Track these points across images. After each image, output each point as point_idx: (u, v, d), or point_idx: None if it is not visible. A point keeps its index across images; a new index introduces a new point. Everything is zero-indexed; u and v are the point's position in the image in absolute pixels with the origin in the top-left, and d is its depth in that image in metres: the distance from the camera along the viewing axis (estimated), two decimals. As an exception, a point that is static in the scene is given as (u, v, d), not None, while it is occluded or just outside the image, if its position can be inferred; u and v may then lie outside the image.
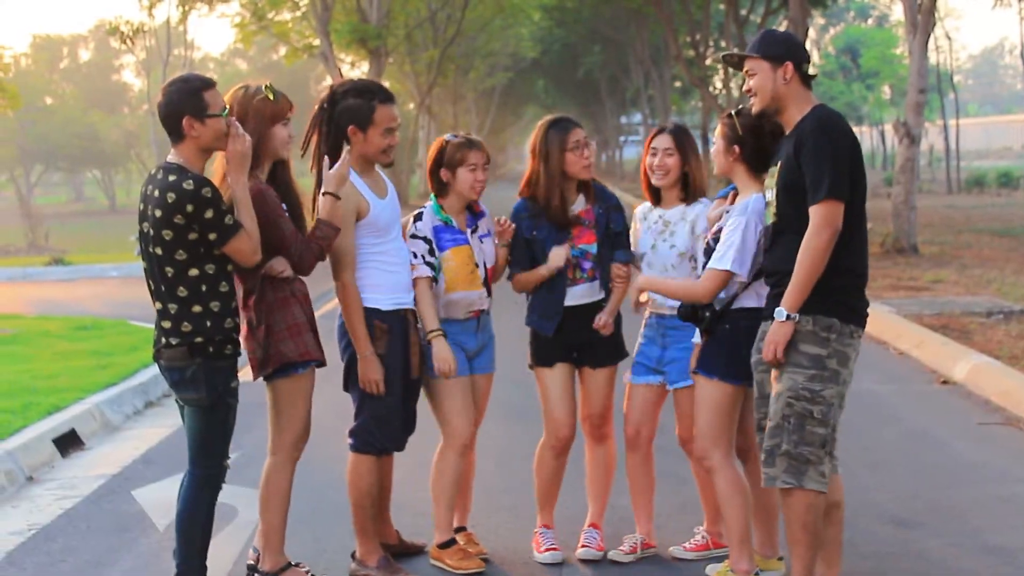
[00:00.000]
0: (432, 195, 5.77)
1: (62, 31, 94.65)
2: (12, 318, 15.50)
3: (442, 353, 5.52)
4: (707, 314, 5.24)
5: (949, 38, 48.15)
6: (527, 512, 6.22)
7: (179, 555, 5.11)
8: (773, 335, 4.79)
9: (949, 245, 20.90)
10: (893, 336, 11.78)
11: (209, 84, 4.91)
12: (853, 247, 4.79)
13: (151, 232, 4.83)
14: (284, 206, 5.19)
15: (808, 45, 40.46)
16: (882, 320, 12.39)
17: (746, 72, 4.96)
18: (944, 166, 44.94)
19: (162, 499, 6.96)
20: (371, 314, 5.38)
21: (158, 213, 4.77)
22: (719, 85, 43.26)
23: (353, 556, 5.64)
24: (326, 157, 5.29)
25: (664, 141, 5.62)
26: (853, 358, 4.85)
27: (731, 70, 45.38)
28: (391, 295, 5.46)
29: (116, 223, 53.43)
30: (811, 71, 4.92)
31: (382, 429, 5.48)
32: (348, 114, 5.39)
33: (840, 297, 4.79)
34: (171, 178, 4.76)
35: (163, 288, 4.88)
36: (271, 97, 5.17)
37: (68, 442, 8.34)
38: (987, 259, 18.51)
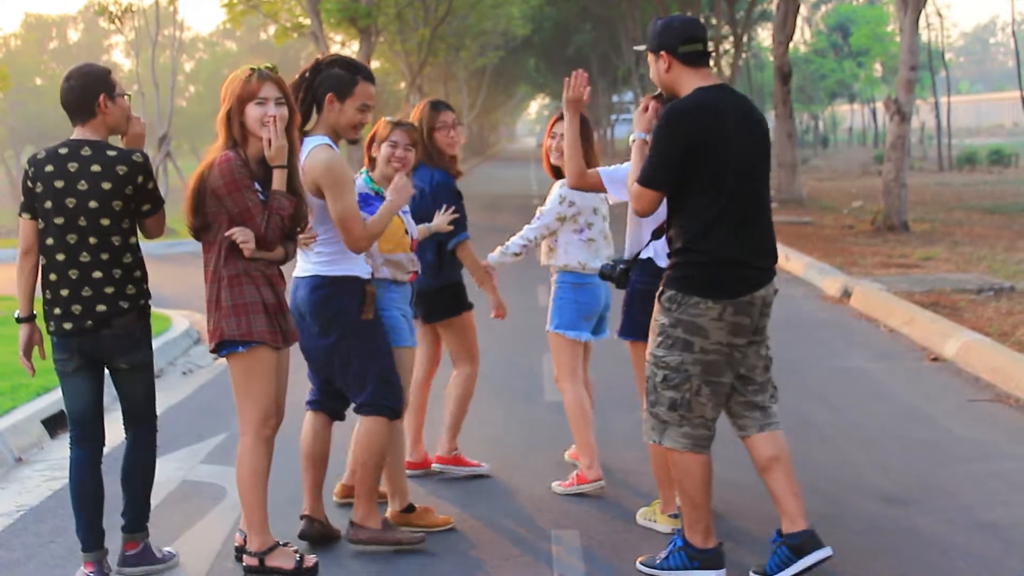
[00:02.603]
0: (364, 168, 6.11)
1: (52, 11, 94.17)
2: (2, 299, 15.44)
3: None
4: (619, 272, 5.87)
5: (940, 15, 48.18)
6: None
7: (130, 512, 5.50)
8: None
9: (940, 222, 20.93)
10: (883, 313, 11.79)
11: (110, 71, 5.29)
12: (714, 234, 4.95)
13: (95, 205, 5.08)
14: (256, 182, 5.19)
15: (799, 23, 40.45)
16: (872, 297, 12.40)
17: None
18: (935, 143, 44.95)
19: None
20: (356, 282, 5.53)
21: (106, 185, 5.07)
22: (710, 63, 43.11)
23: (352, 523, 5.67)
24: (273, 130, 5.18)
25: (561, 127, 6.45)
26: (712, 329, 4.95)
27: (722, 48, 45.37)
28: (364, 264, 5.65)
29: (107, 204, 53.39)
30: (700, 48, 5.10)
31: (392, 389, 5.59)
32: (329, 82, 5.48)
33: (686, 272, 5.00)
34: (111, 153, 5.12)
35: (105, 257, 5.14)
36: (248, 78, 5.19)
37: (57, 423, 8.31)
38: (978, 236, 18.53)
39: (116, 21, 27.71)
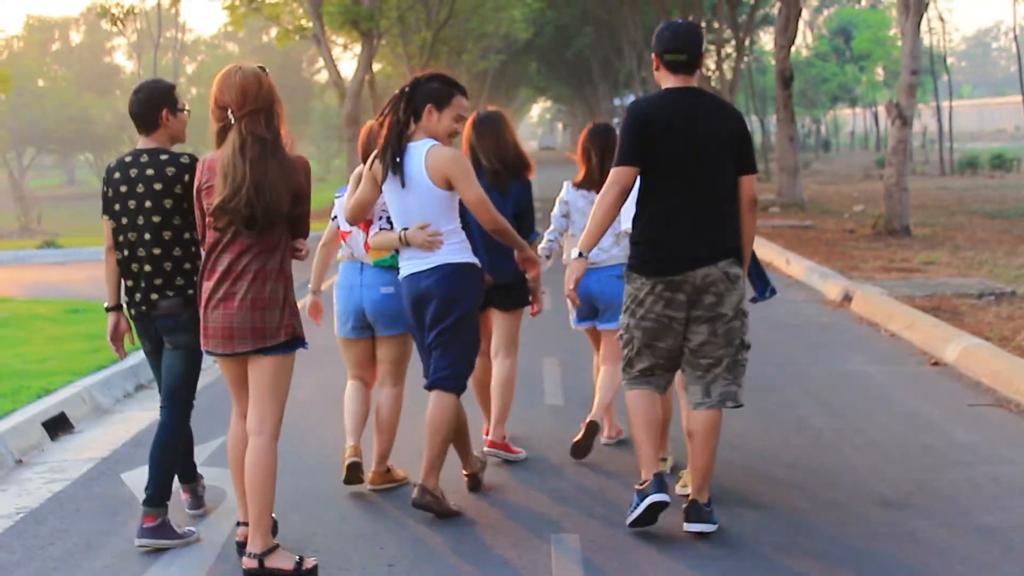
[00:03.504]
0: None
1: (54, 13, 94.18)
2: (3, 301, 15.50)
3: None
4: None
5: (942, 19, 48.23)
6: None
7: (153, 486, 5.79)
8: (571, 270, 5.93)
9: (941, 227, 20.93)
10: (884, 317, 11.79)
11: (174, 86, 5.99)
12: (646, 219, 5.77)
13: (147, 204, 5.71)
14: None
15: (801, 26, 40.47)
16: (873, 301, 12.40)
17: None
18: (937, 148, 44.95)
19: (152, 482, 6.97)
20: (479, 270, 6.16)
21: (157, 186, 5.69)
22: (712, 66, 43.18)
23: (425, 489, 6.01)
24: None
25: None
26: (648, 301, 5.75)
27: (723, 51, 45.38)
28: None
29: (108, 206, 53.34)
30: (683, 58, 5.75)
31: (469, 372, 6.22)
32: (429, 94, 6.02)
33: (632, 251, 5.86)
34: (163, 157, 5.76)
35: (157, 251, 5.74)
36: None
37: (58, 425, 8.32)
38: (979, 241, 18.53)
39: (118, 23, 27.75)
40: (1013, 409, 8.22)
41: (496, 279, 6.86)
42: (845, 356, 10.33)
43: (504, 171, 7.00)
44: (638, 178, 5.73)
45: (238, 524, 5.72)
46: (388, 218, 6.29)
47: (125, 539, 5.97)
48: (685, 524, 5.73)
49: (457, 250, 6.02)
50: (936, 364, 9.79)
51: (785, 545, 5.62)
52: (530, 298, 7.23)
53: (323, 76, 71.43)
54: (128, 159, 5.82)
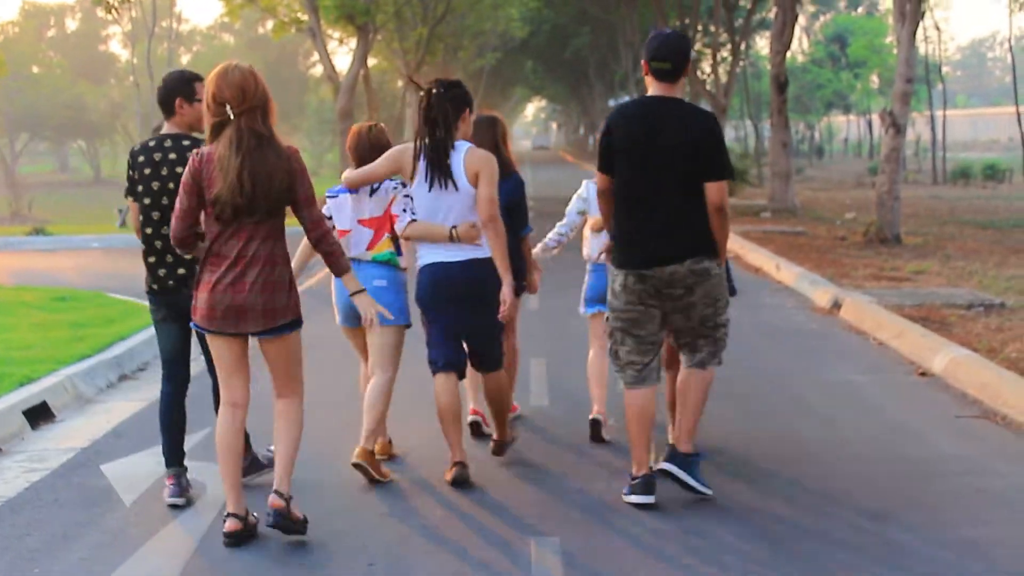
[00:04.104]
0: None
1: (50, 0, 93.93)
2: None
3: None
4: None
5: (938, 29, 48.15)
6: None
7: (175, 458, 6.45)
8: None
9: (933, 236, 20.91)
10: (873, 326, 11.75)
11: (199, 78, 6.36)
12: (619, 216, 6.27)
13: (171, 186, 6.15)
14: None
15: (797, 32, 40.48)
16: (862, 310, 12.37)
17: None
18: (930, 156, 44.96)
19: (131, 474, 6.92)
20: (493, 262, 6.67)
21: (180, 170, 6.04)
22: (707, 69, 43.14)
23: (496, 441, 7.14)
24: None
25: None
26: (622, 292, 6.26)
27: (719, 55, 45.41)
28: None
29: (100, 194, 53.25)
30: (667, 67, 6.12)
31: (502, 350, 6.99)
32: (464, 99, 6.67)
33: (613, 245, 6.38)
34: (186, 142, 6.27)
35: None
36: None
37: (39, 414, 8.27)
38: (970, 251, 18.51)
39: (113, 11, 27.67)
40: (1000, 421, 8.18)
41: None
42: (833, 364, 10.29)
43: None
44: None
45: (226, 516, 5.72)
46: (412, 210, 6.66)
47: (103, 530, 5.93)
48: (661, 462, 6.32)
49: (484, 244, 6.60)
50: (924, 374, 9.75)
51: (767, 555, 5.58)
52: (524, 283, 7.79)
53: (318, 70, 71.28)
54: (152, 143, 6.30)
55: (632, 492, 6.26)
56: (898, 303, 12.68)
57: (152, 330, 11.25)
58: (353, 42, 34.87)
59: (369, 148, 6.88)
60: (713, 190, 6.06)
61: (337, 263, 5.82)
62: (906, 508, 6.28)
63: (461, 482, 6.58)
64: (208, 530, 5.88)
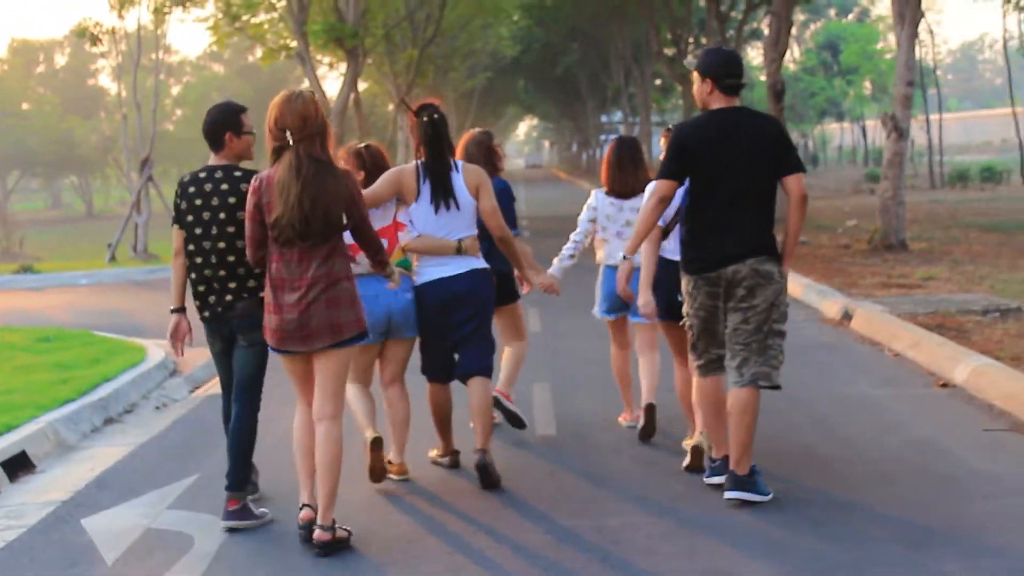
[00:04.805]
0: None
1: (39, 36, 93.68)
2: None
3: None
4: None
5: (931, 32, 47.87)
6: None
7: (234, 473, 6.34)
8: (620, 271, 7.11)
9: (938, 241, 20.54)
10: (887, 336, 11.33)
11: (244, 109, 6.58)
12: (691, 225, 6.55)
13: (223, 216, 6.29)
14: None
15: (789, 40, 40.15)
16: (875, 319, 11.96)
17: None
18: (926, 161, 44.70)
19: (114, 528, 6.47)
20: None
21: (232, 200, 6.28)
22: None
23: (486, 451, 7.00)
24: None
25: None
26: (698, 296, 6.57)
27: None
28: None
29: (93, 229, 52.92)
30: (731, 82, 6.47)
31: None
32: (446, 121, 7.02)
33: (682, 253, 6.66)
34: (237, 173, 6.37)
35: (232, 259, 6.30)
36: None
37: (17, 465, 7.81)
38: (977, 255, 18.13)
39: (97, 42, 27.36)
40: (1031, 434, 7.76)
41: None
42: (849, 378, 9.86)
43: None
44: (683, 191, 6.63)
45: (302, 507, 6.07)
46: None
47: (81, 594, 5.49)
48: (725, 492, 6.44)
49: (482, 256, 7.06)
50: (945, 386, 9.32)
51: (800, 593, 5.15)
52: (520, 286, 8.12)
53: (309, 96, 70.52)
54: (202, 175, 6.43)
55: (713, 474, 6.75)
56: (911, 311, 12.28)
57: (141, 369, 10.99)
58: (343, 66, 34.48)
59: (373, 166, 7.14)
60: (795, 182, 6.43)
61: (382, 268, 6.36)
62: (945, 534, 5.83)
63: (484, 465, 6.93)
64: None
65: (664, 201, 6.57)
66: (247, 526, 6.29)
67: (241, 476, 6.38)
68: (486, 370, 7.05)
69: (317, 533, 5.83)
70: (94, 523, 6.59)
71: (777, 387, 6.53)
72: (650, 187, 6.78)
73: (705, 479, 6.77)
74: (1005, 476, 6.84)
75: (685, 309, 6.72)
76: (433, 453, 7.58)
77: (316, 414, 6.02)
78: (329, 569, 5.70)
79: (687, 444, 7.39)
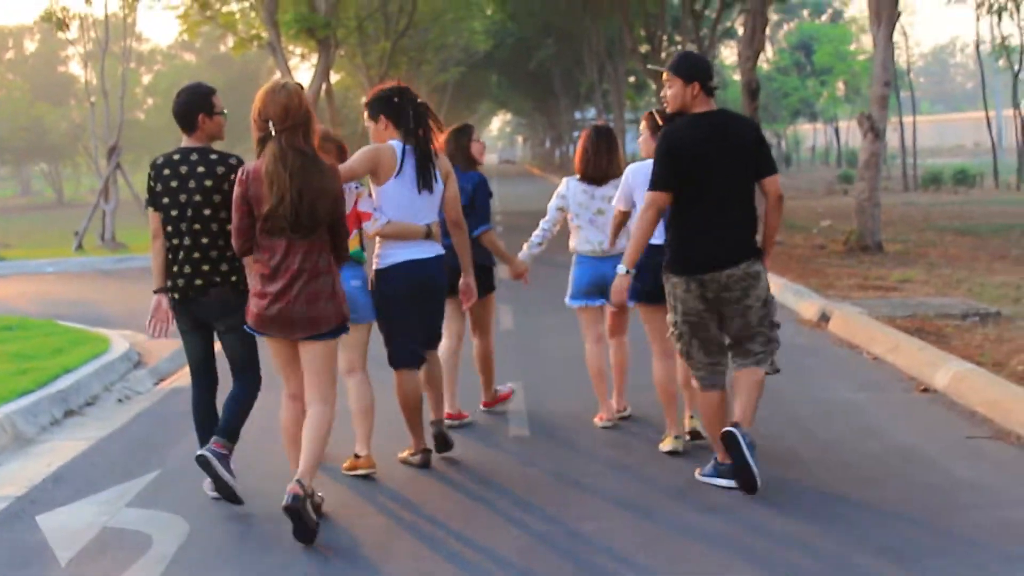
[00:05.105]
0: None
1: (7, 22, 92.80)
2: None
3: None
4: None
5: (905, 34, 47.94)
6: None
7: (227, 424, 6.43)
8: (616, 285, 6.83)
9: (913, 243, 20.43)
10: (865, 339, 11.16)
11: (214, 91, 6.59)
12: (678, 227, 6.60)
13: (199, 199, 6.33)
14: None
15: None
16: (853, 322, 11.80)
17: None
18: (900, 163, 44.74)
19: (69, 526, 6.23)
20: None
21: (208, 182, 6.33)
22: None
23: (442, 423, 7.49)
24: None
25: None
26: (681, 296, 6.62)
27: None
28: None
29: (63, 217, 52.40)
30: (712, 85, 6.61)
31: None
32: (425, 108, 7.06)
33: (668, 253, 6.67)
34: (212, 156, 6.42)
35: (205, 241, 6.36)
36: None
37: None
38: (953, 258, 18.02)
39: (64, 28, 27.00)
40: (1014, 442, 7.58)
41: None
42: (827, 382, 9.67)
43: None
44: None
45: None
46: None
47: (32, 597, 5.25)
48: (730, 427, 6.51)
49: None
50: (926, 391, 9.15)
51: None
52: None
53: (281, 87, 69.95)
54: (176, 156, 6.44)
55: (718, 476, 6.76)
56: (889, 314, 12.12)
57: (104, 360, 10.72)
58: (315, 57, 34.15)
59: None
60: (773, 183, 6.61)
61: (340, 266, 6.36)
62: (934, 546, 5.64)
63: (427, 465, 7.18)
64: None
65: (661, 212, 6.63)
66: (219, 475, 6.22)
67: (232, 428, 6.45)
68: (438, 339, 7.43)
69: (291, 486, 5.72)
70: (48, 520, 6.34)
71: (777, 371, 6.92)
72: (646, 198, 6.68)
73: (704, 479, 6.79)
74: (990, 485, 6.66)
75: (671, 319, 6.78)
76: (404, 454, 7.39)
77: (307, 399, 6.13)
78: (292, 573, 5.48)
79: (664, 447, 7.47)
